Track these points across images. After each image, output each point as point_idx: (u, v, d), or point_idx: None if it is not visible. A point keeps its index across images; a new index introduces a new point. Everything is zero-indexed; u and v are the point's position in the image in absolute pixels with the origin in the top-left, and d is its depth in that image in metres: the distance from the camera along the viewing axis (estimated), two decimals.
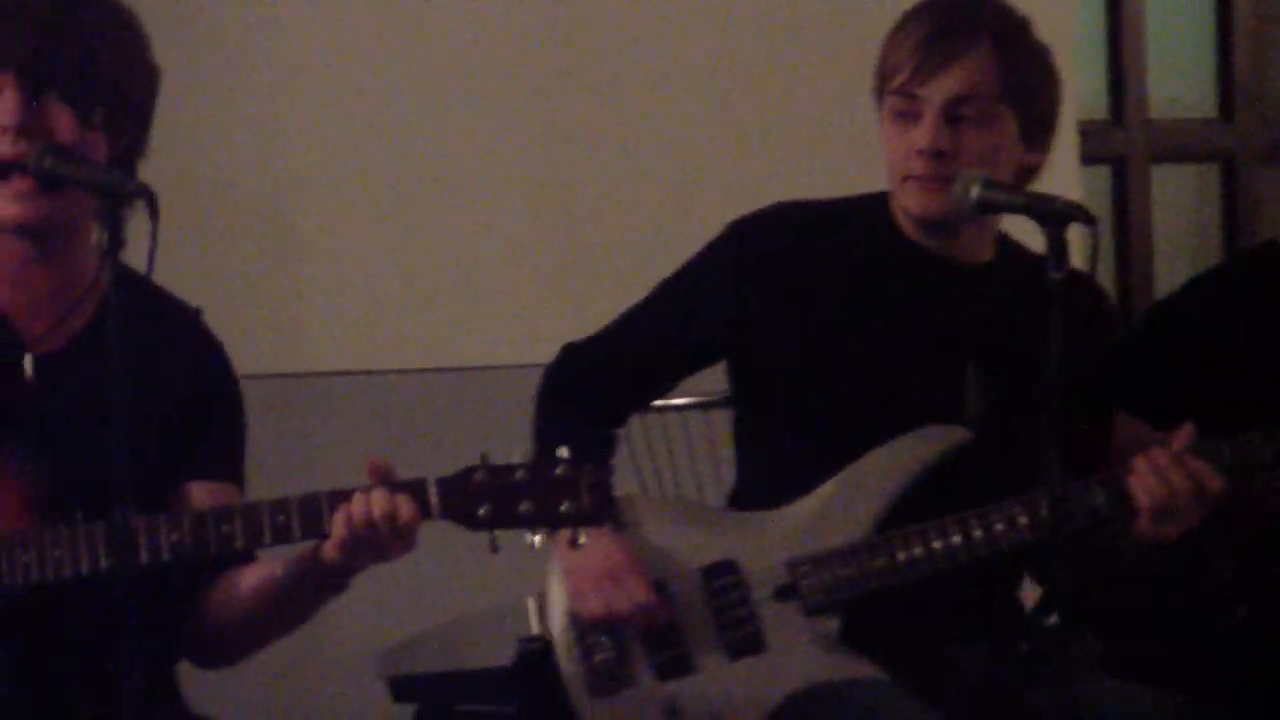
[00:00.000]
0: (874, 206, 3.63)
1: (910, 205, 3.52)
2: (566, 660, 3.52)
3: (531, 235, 5.47)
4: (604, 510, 3.04)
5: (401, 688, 3.86)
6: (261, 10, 5.29)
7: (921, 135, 3.45)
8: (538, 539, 3.03)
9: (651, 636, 3.50)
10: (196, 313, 3.06)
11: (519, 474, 3.01)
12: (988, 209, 3.37)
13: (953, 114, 3.46)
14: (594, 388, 3.64)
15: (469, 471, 3.02)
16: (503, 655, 3.62)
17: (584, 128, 5.50)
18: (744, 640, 3.49)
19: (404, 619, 4.49)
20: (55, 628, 3.07)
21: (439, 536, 3.97)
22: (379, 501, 2.97)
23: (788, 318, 3.59)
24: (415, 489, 3.01)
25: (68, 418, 3.13)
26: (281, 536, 3.01)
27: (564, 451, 3.04)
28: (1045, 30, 3.61)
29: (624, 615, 3.48)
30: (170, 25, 5.23)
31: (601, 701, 3.50)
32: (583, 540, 3.06)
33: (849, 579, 3.47)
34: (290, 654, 5.03)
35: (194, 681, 3.34)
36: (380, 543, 3.00)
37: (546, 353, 3.75)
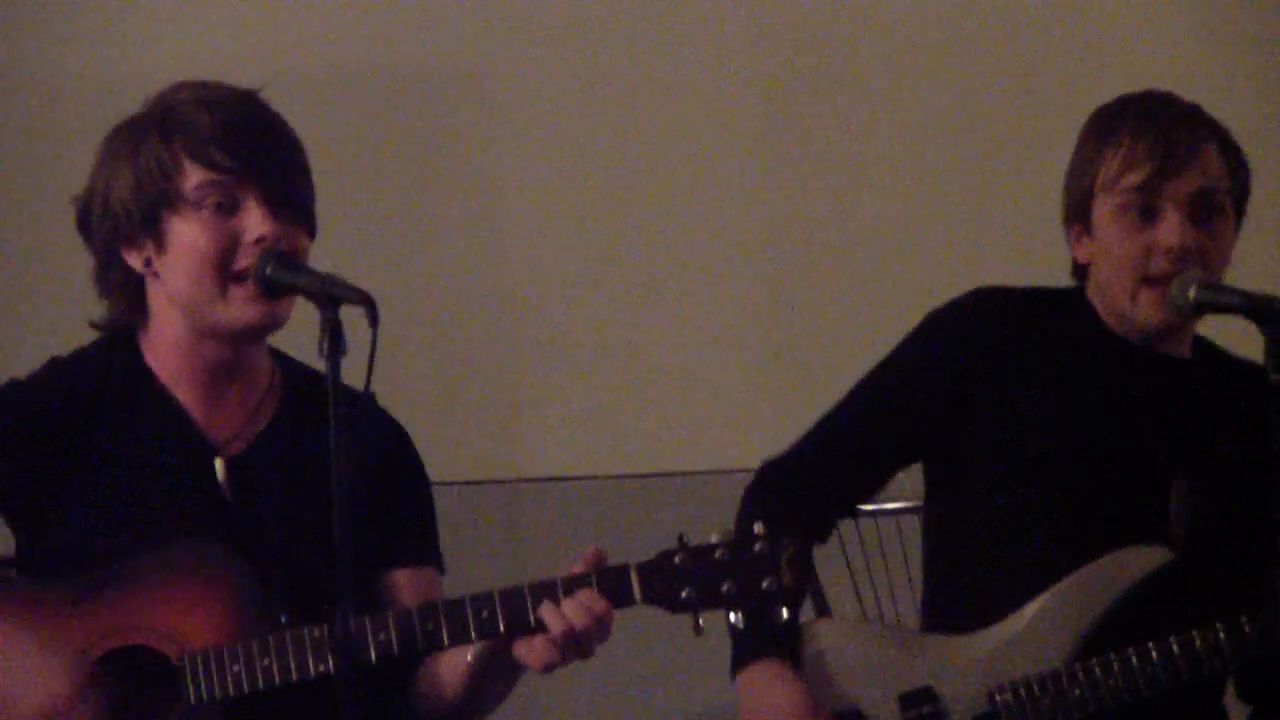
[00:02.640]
0: (1073, 298, 3.55)
1: (1149, 314, 3.43)
2: None
3: (747, 340, 5.44)
4: (804, 586, 2.98)
5: None
6: (486, 118, 5.35)
7: (1169, 233, 3.38)
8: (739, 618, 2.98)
9: None
10: (371, 397, 3.05)
11: (718, 553, 2.97)
12: (1205, 309, 3.32)
13: (1194, 211, 3.40)
14: (796, 502, 3.56)
15: (669, 555, 2.98)
16: None
17: (803, 226, 5.46)
18: None
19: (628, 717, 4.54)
20: None
21: (663, 637, 3.95)
22: (593, 603, 2.94)
23: (995, 409, 3.52)
24: (618, 575, 2.98)
25: (260, 520, 3.15)
26: (487, 631, 2.99)
27: (759, 527, 2.98)
28: None
29: None
30: (401, 139, 5.38)
31: None
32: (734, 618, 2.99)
33: (1049, 707, 3.40)
34: None
35: None
36: (584, 640, 2.97)
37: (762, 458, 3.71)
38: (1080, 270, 3.54)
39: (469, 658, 3.11)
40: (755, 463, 3.67)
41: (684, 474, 5.27)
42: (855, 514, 3.85)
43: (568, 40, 5.38)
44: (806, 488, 3.53)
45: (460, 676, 3.14)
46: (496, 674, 3.11)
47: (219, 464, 3.17)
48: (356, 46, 5.32)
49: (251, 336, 3.17)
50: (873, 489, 3.68)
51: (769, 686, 3.44)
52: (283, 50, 5.27)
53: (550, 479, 5.35)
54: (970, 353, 3.54)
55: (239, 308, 3.10)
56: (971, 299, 3.60)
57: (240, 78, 3.25)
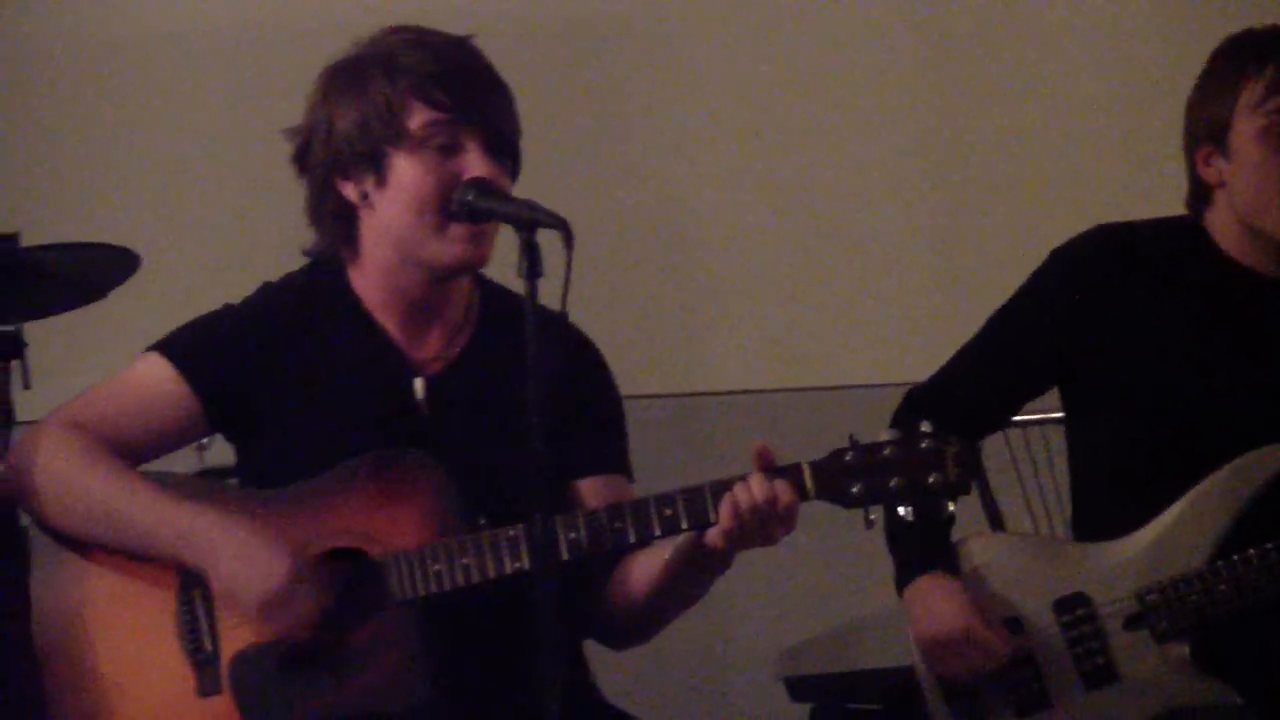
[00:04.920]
0: (1189, 227, 3.61)
1: None
2: (933, 705, 3.56)
3: (911, 263, 5.56)
4: (969, 480, 3.01)
5: (798, 687, 3.90)
6: (668, 64, 5.50)
7: None
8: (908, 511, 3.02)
9: (1009, 673, 3.50)
10: (564, 316, 3.00)
11: (887, 450, 3.01)
12: None
13: None
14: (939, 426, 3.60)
15: (840, 452, 3.01)
16: (891, 657, 3.65)
17: (963, 150, 5.56)
18: (1098, 670, 3.50)
19: (800, 623, 4.60)
20: (470, 630, 3.13)
21: (833, 546, 4.02)
22: (759, 488, 2.97)
23: (1120, 341, 3.57)
24: (791, 472, 3.01)
25: (457, 433, 3.22)
26: (670, 528, 3.03)
27: (927, 426, 3.03)
28: None
29: (981, 673, 3.49)
30: (593, 77, 5.48)
31: None
32: (903, 511, 3.01)
33: (1195, 605, 3.45)
34: (698, 656, 5.18)
35: (610, 676, 3.42)
36: (764, 526, 3.00)
37: (929, 371, 3.77)
38: (1198, 198, 3.59)
39: (659, 560, 3.16)
40: (918, 376, 3.76)
41: (856, 387, 5.38)
42: (997, 430, 3.90)
43: None
44: (949, 412, 3.44)
45: (651, 580, 3.19)
46: (685, 576, 3.15)
47: (419, 383, 3.25)
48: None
49: (458, 273, 3.24)
50: (1010, 412, 3.75)
51: (936, 598, 3.52)
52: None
53: (732, 392, 5.47)
54: (1093, 286, 3.59)
55: (451, 245, 3.17)
56: (1093, 234, 3.65)
57: (435, 22, 3.31)
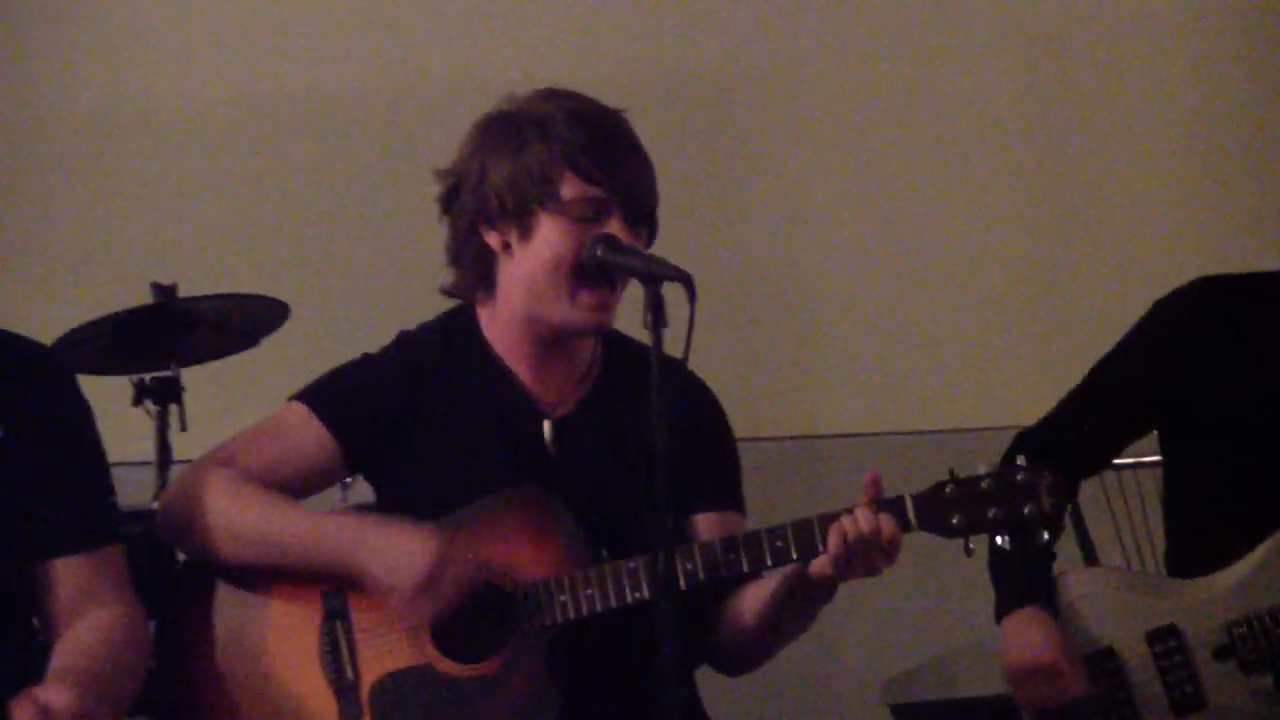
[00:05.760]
0: None
1: None
2: None
3: (1015, 315, 5.59)
4: (1063, 510, 3.06)
5: (903, 714, 3.92)
6: (773, 111, 5.59)
7: None
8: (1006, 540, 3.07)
9: (1101, 700, 3.55)
10: (683, 363, 3.10)
11: (984, 483, 3.08)
12: None
13: None
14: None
15: (940, 485, 3.09)
16: (992, 684, 3.66)
17: (1069, 200, 5.59)
18: (1187, 698, 3.54)
19: (903, 651, 4.60)
20: (594, 659, 3.20)
21: (933, 577, 4.06)
22: (865, 519, 3.04)
23: (1218, 390, 3.60)
24: (895, 505, 3.08)
25: (582, 473, 3.29)
26: (781, 558, 3.10)
27: (1022, 459, 3.09)
28: None
29: (1057, 708, 3.53)
30: (709, 135, 5.57)
31: None
32: (1000, 540, 3.06)
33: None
34: (808, 682, 5.21)
35: (724, 705, 3.49)
36: (868, 557, 3.06)
37: (1033, 415, 3.81)
38: None
39: (769, 592, 3.22)
40: (1023, 420, 3.80)
41: (962, 430, 5.42)
42: (1101, 470, 3.94)
43: (848, 47, 5.59)
44: (1055, 454, 3.48)
45: (760, 610, 3.25)
46: (792, 607, 3.21)
47: (546, 425, 3.33)
48: (666, 56, 5.59)
49: (582, 335, 3.33)
50: (1113, 455, 3.80)
51: (1028, 630, 3.55)
52: (600, 59, 5.55)
53: (844, 435, 5.53)
54: (1193, 337, 3.63)
55: (579, 311, 3.25)
56: (1195, 287, 3.69)
57: (560, 80, 3.39)
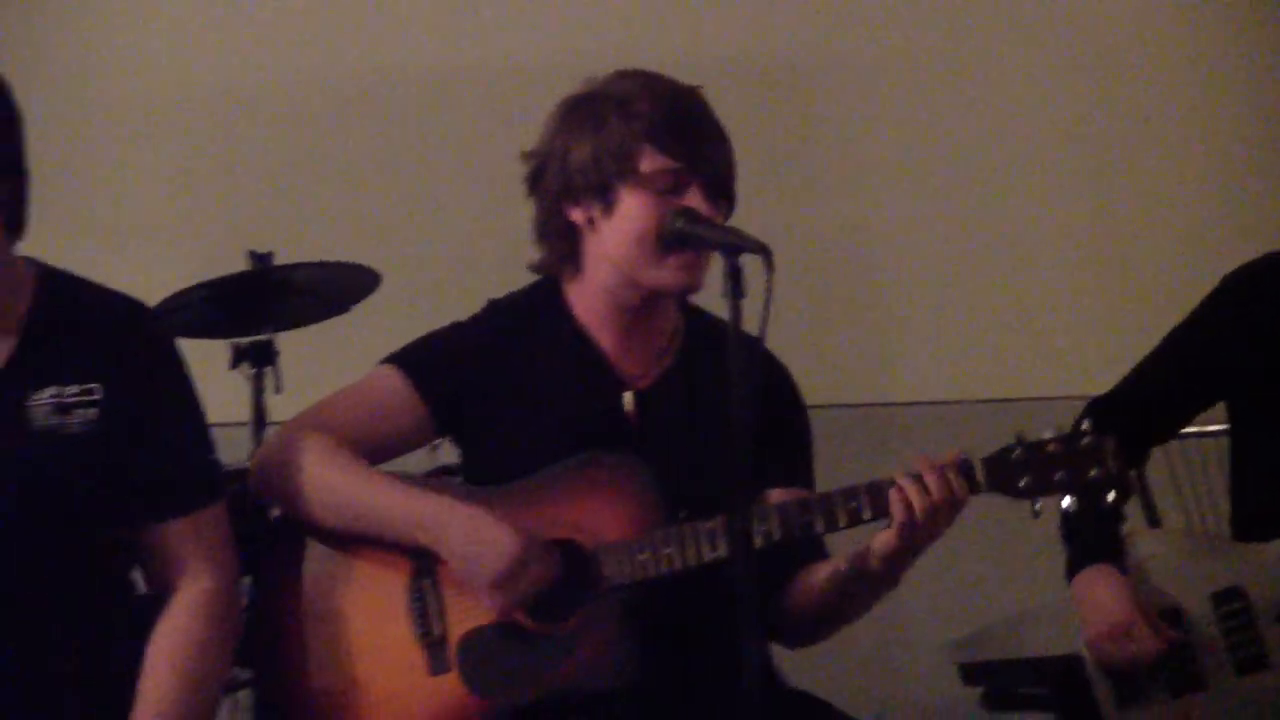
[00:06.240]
0: None
1: None
2: (1098, 686, 3.65)
3: (1085, 285, 5.60)
4: (1127, 473, 3.10)
5: (971, 673, 3.89)
6: (849, 88, 5.62)
7: None
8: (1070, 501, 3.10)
9: (1168, 657, 3.58)
10: (760, 340, 3.02)
11: (1051, 447, 3.12)
12: None
13: None
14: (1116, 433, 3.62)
15: (1008, 449, 3.13)
16: (1058, 645, 3.72)
17: (1139, 173, 5.60)
18: (1250, 658, 3.59)
19: (974, 613, 4.61)
20: (672, 616, 3.24)
21: (1005, 540, 4.06)
22: (935, 479, 3.09)
23: None
24: (964, 466, 3.13)
25: (661, 441, 3.33)
26: (854, 519, 3.14)
27: (1087, 424, 3.13)
28: None
29: (1134, 664, 3.58)
30: (788, 111, 5.53)
31: (1125, 714, 3.62)
32: (1067, 502, 3.09)
33: None
34: (878, 642, 5.19)
35: (795, 664, 3.53)
36: (934, 519, 3.10)
37: (1101, 384, 3.86)
38: None
39: (836, 573, 3.27)
40: (1095, 388, 3.84)
41: (1034, 399, 5.43)
42: (1170, 438, 3.97)
43: (922, 23, 5.61)
44: (1127, 422, 3.55)
45: (830, 582, 3.29)
46: (862, 580, 3.23)
47: (627, 396, 3.38)
48: (742, 35, 5.61)
49: (674, 295, 3.36)
50: (1182, 423, 3.83)
51: (1101, 588, 3.61)
52: (677, 37, 5.58)
53: (917, 403, 5.56)
54: (1263, 310, 3.67)
55: (670, 272, 3.28)
56: (1265, 262, 3.73)
57: (640, 63, 3.40)
